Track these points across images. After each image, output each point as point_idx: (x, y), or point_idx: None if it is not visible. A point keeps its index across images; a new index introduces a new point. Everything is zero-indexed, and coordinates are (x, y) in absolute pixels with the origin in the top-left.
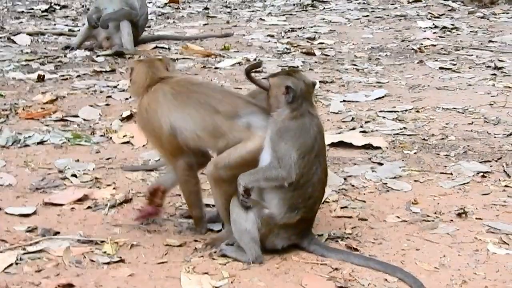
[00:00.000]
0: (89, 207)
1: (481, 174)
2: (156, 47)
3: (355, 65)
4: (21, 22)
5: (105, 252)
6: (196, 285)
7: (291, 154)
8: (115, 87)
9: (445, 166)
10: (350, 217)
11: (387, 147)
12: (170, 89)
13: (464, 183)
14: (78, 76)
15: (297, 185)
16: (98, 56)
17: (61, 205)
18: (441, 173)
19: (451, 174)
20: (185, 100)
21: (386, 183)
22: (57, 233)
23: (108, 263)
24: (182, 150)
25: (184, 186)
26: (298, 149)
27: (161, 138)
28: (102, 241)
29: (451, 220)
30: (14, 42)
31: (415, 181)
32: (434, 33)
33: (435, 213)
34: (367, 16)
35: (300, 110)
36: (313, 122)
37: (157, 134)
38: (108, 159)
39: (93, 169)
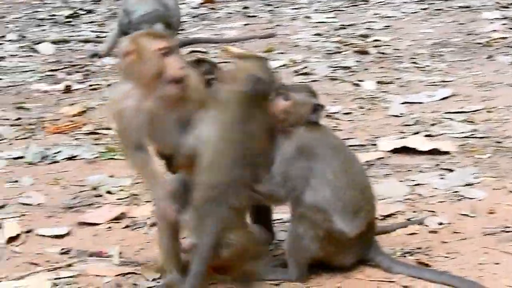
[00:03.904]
0: (127, 226)
1: None
2: (193, 51)
3: (415, 63)
4: (43, 29)
5: (147, 275)
6: None
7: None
8: None
9: None
10: (418, 230)
11: (456, 152)
12: None
13: None
14: (109, 85)
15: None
16: None
17: (96, 224)
18: None
19: None
20: None
21: (457, 192)
22: (93, 254)
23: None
24: None
25: None
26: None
27: None
28: (144, 263)
29: None
30: (37, 52)
31: (491, 188)
32: (503, 24)
33: None
34: (426, 9)
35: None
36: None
37: None
38: None
39: (130, 185)
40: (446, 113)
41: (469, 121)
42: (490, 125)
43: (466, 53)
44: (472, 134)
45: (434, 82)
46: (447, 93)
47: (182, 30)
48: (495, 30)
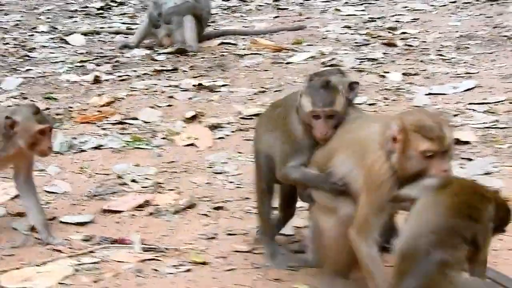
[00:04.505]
0: (150, 214)
1: None
2: (222, 43)
3: (441, 55)
4: (75, 21)
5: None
6: None
7: None
8: (177, 86)
9: None
10: None
11: (477, 142)
12: None
13: None
14: (138, 76)
15: None
16: (158, 54)
17: (120, 212)
18: None
19: None
20: None
21: (476, 180)
22: (115, 241)
23: (173, 273)
24: None
25: None
26: None
27: None
28: (166, 249)
29: None
30: (67, 43)
31: (509, 177)
32: None
33: None
34: (455, 2)
35: None
36: None
37: None
38: (170, 162)
39: (155, 173)
40: (469, 104)
41: (491, 112)
42: None
43: (491, 45)
44: (494, 125)
45: (459, 74)
46: (471, 84)
47: (212, 22)
48: None
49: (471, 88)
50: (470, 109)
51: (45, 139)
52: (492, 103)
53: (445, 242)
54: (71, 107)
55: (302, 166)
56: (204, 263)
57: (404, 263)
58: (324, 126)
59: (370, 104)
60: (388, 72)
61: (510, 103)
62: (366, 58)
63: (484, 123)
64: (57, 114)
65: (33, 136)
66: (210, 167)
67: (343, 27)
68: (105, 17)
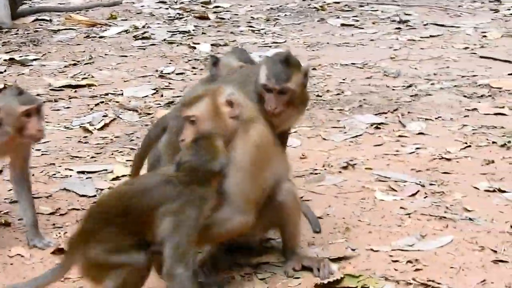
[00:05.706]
0: None
1: (375, 126)
2: (37, 19)
3: (251, 27)
4: None
5: None
6: None
7: None
8: None
9: (338, 121)
10: None
11: None
12: None
13: (356, 136)
14: None
15: None
16: None
17: None
18: (333, 127)
19: (344, 127)
20: None
21: None
22: None
23: None
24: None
25: None
26: None
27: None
28: None
29: (340, 172)
30: None
31: (306, 136)
32: None
33: (323, 166)
34: None
35: None
36: None
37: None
38: None
39: None
40: None
41: None
42: (313, 81)
43: (300, 17)
44: None
45: (267, 44)
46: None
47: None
48: None
49: None
50: None
51: (32, 122)
52: None
53: None
54: None
55: None
56: (7, 224)
57: None
58: (275, 101)
59: (178, 74)
60: (198, 44)
61: (313, 69)
62: (178, 31)
63: None
64: None
65: (17, 119)
66: None
67: (158, 2)
68: None
